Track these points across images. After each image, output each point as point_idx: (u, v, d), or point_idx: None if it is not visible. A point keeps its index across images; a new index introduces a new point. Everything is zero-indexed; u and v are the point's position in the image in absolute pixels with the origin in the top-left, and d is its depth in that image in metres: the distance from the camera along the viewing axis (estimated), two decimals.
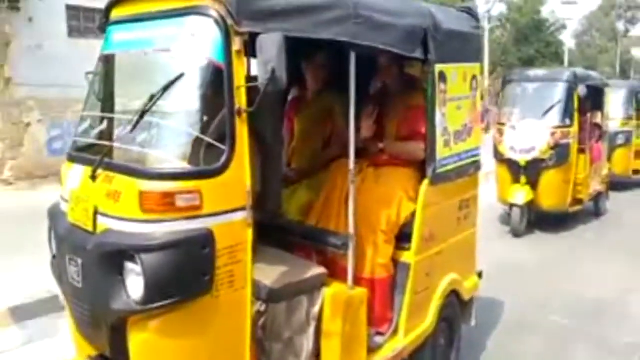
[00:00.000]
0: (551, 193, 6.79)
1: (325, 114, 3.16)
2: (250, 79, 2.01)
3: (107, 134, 2.29)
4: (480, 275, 3.67)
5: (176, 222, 1.90)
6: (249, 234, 2.05)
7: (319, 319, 2.51)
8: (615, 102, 9.30)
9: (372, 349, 2.70)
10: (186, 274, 1.90)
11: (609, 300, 4.69)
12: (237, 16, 1.95)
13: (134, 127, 2.02)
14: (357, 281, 2.67)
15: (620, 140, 9.55)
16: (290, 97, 3.44)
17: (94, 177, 2.06)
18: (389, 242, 2.82)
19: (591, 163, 7.39)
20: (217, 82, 1.98)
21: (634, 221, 7.61)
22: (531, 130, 6.68)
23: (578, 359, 3.76)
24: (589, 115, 7.43)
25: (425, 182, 2.90)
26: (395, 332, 2.84)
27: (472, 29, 3.29)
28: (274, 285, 2.32)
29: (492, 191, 6.98)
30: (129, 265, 1.91)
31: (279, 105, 2.67)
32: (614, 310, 4.52)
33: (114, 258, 1.93)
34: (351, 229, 2.53)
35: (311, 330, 2.49)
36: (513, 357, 3.74)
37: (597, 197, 7.84)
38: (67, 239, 2.16)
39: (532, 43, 26.19)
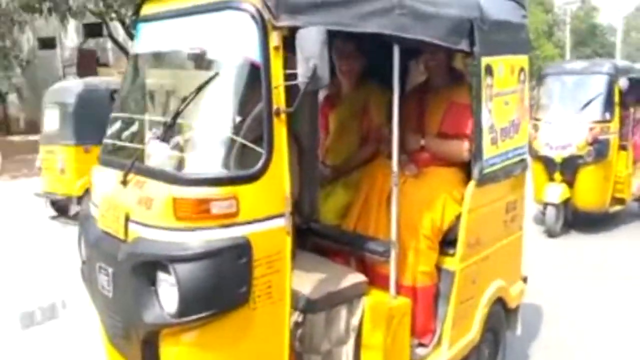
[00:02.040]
0: (589, 191, 6.43)
1: (361, 109, 2.99)
2: (287, 76, 1.85)
3: (139, 137, 2.17)
4: (525, 280, 3.46)
5: (211, 230, 1.77)
6: (288, 242, 1.91)
7: (359, 331, 2.36)
8: None
9: None
10: (222, 285, 1.77)
11: None
12: (275, 10, 1.80)
13: (167, 129, 1.90)
14: (398, 289, 2.51)
15: None
16: (323, 93, 3.30)
17: (124, 182, 1.95)
18: (433, 249, 2.65)
19: (634, 160, 6.99)
20: (254, 81, 1.84)
21: None
22: (568, 126, 6.36)
23: None
24: (631, 109, 7.02)
25: (472, 183, 2.71)
26: (438, 343, 2.67)
27: (521, 18, 3.08)
28: (312, 295, 2.18)
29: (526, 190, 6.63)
30: (162, 275, 1.79)
31: (315, 103, 2.51)
32: None
33: (146, 268, 1.82)
34: (393, 235, 2.37)
35: (351, 342, 2.34)
36: None
37: None
38: (97, 246, 2.06)
39: (589, 45, 30.58)
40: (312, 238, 2.61)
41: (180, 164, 1.88)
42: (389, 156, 2.90)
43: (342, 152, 3.04)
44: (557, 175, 6.37)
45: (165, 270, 1.77)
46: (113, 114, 2.37)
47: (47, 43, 15.82)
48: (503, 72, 2.89)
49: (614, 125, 6.45)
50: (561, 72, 7.07)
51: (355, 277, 2.40)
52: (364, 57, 2.94)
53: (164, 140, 1.88)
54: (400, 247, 2.51)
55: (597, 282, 4.97)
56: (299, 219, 2.35)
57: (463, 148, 2.77)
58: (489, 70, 2.75)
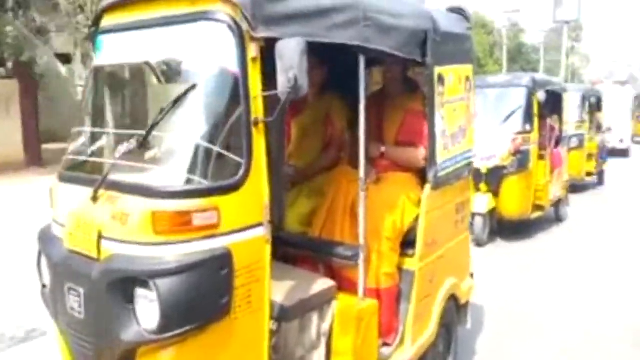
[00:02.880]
0: (513, 200, 6.68)
1: (323, 117, 3.05)
2: (266, 86, 1.87)
3: (106, 151, 2.08)
4: (472, 276, 3.66)
5: (192, 243, 1.75)
6: (267, 250, 1.92)
7: (330, 335, 2.41)
8: (569, 105, 9.29)
9: None
10: (204, 297, 1.75)
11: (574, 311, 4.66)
12: (252, 21, 1.81)
13: (142, 142, 1.84)
14: (363, 292, 2.58)
15: (573, 143, 9.60)
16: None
17: (95, 198, 1.87)
18: (394, 250, 2.75)
19: (552, 169, 7.40)
20: (232, 92, 1.83)
21: (593, 226, 7.71)
22: (492, 137, 6.43)
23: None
24: (548, 120, 7.45)
25: (428, 186, 2.84)
26: (401, 342, 2.78)
27: (466, 30, 3.26)
28: (285, 303, 2.20)
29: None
30: (141, 291, 1.74)
31: (284, 112, 2.53)
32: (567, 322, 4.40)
33: (123, 285, 1.75)
34: (361, 239, 2.44)
35: (322, 346, 2.38)
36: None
37: (558, 203, 7.86)
38: (64, 266, 1.95)
39: (518, 62, 33.98)
40: (279, 247, 2.62)
41: (157, 177, 1.83)
42: (350, 163, 2.99)
43: (305, 156, 3.09)
44: (483, 186, 6.50)
45: (145, 286, 1.72)
46: (75, 129, 2.25)
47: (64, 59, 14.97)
48: (452, 80, 3.05)
49: (534, 135, 6.79)
50: (484, 85, 7.19)
51: (325, 283, 2.44)
52: (325, 67, 3.00)
53: (138, 153, 1.82)
54: (365, 249, 2.58)
55: (526, 281, 5.33)
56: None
57: (419, 155, 2.90)
58: (441, 79, 2.89)
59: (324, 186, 2.87)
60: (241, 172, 1.82)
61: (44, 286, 2.17)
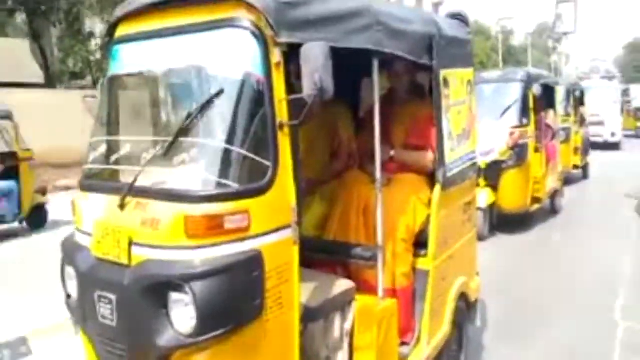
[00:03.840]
0: (512, 194, 6.83)
1: (330, 128, 3.09)
2: (290, 90, 1.91)
3: (128, 159, 2.10)
4: (477, 275, 3.72)
5: (224, 246, 1.78)
6: (295, 251, 1.95)
7: (352, 335, 2.44)
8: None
9: None
10: (237, 299, 1.78)
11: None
12: (275, 27, 1.85)
13: (169, 148, 1.87)
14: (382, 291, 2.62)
15: (561, 136, 9.67)
16: None
17: (122, 206, 1.89)
18: (409, 250, 2.80)
19: (547, 161, 7.61)
20: (257, 97, 1.87)
21: (586, 217, 7.93)
22: (489, 132, 6.50)
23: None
24: (542, 114, 7.66)
25: (437, 187, 2.90)
26: (418, 340, 2.81)
27: (466, 35, 3.35)
28: (310, 304, 2.22)
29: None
30: (175, 295, 1.76)
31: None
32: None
33: (157, 290, 1.77)
34: (380, 240, 2.48)
35: (345, 346, 2.41)
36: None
37: (554, 195, 8.07)
38: (93, 275, 1.96)
39: (508, 62, 33.96)
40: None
41: (187, 182, 1.86)
42: (361, 168, 3.05)
43: (314, 167, 3.12)
44: (482, 181, 6.58)
45: (179, 290, 1.74)
46: (92, 139, 2.26)
47: None
48: (456, 84, 3.14)
49: (531, 129, 6.99)
50: (479, 81, 7.27)
51: (345, 284, 2.47)
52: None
53: (164, 160, 1.85)
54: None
55: (528, 274, 5.43)
56: None
57: (428, 158, 2.97)
58: (446, 82, 2.97)
59: (336, 191, 2.92)
60: (269, 175, 1.86)
61: (68, 296, 2.17)
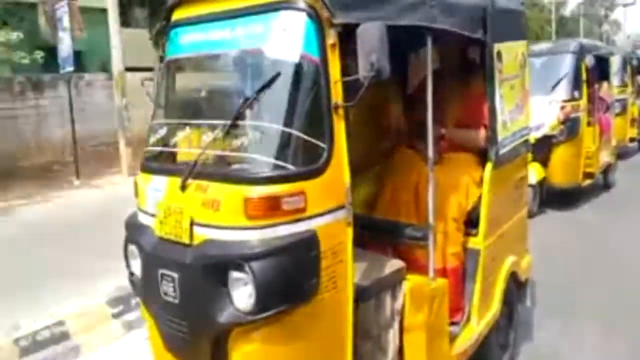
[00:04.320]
0: (563, 169, 6.65)
1: (378, 103, 3.06)
2: (345, 72, 1.90)
3: (187, 142, 2.15)
4: (526, 252, 3.65)
5: (281, 227, 1.81)
6: (349, 232, 1.97)
7: (402, 314, 2.45)
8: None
9: (450, 340, 2.66)
10: (294, 278, 1.82)
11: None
12: (331, 7, 1.84)
13: (228, 131, 1.90)
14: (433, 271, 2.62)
15: (617, 108, 9.25)
16: None
17: (184, 187, 1.94)
18: (460, 230, 2.77)
19: (600, 135, 7.32)
20: (313, 78, 1.88)
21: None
22: (539, 106, 6.35)
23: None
24: (596, 86, 7.34)
25: (489, 165, 2.84)
26: (467, 320, 2.81)
27: (519, 5, 3.22)
28: (362, 283, 2.24)
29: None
30: (235, 274, 1.81)
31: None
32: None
33: (218, 269, 1.83)
34: (431, 219, 2.46)
35: (396, 325, 2.43)
36: (563, 335, 3.75)
37: (607, 169, 7.78)
38: (156, 253, 2.03)
39: (559, 33, 33.97)
40: None
41: (246, 164, 1.89)
42: (410, 146, 3.01)
43: (360, 149, 3.08)
44: (532, 156, 6.29)
45: (239, 269, 1.79)
46: (152, 122, 2.32)
47: None
48: (509, 57, 3.03)
49: (583, 102, 6.70)
50: (529, 54, 7.19)
51: (395, 264, 2.48)
52: None
53: (224, 142, 1.88)
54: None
55: (578, 253, 5.27)
56: None
57: (480, 136, 2.90)
58: (499, 57, 2.87)
59: (386, 169, 2.90)
60: (324, 156, 1.87)
61: (131, 274, 2.26)
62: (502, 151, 2.93)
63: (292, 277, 1.81)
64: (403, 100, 3.16)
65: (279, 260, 1.79)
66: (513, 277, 3.25)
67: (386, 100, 3.03)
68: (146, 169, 2.24)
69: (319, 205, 1.87)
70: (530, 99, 3.40)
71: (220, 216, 1.84)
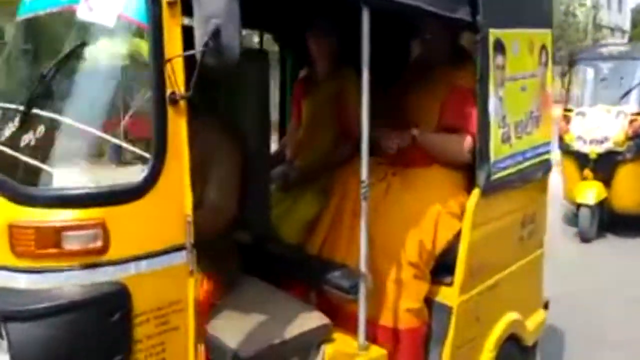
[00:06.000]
0: (629, 191, 5.76)
1: (337, 99, 2.38)
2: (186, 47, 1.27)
3: None
4: (546, 306, 2.82)
5: (67, 273, 1.21)
6: (191, 286, 1.33)
7: None
8: None
9: None
10: (83, 353, 1.21)
11: None
12: None
13: (23, 123, 1.33)
14: (374, 332, 1.94)
15: None
16: (299, 77, 2.72)
17: None
18: (421, 278, 2.04)
19: None
20: (138, 54, 1.26)
21: None
22: (604, 117, 5.71)
23: None
24: None
25: (475, 191, 2.09)
26: None
27: None
28: (242, 350, 1.59)
29: (556, 183, 5.89)
30: None
31: (266, 90, 1.92)
32: None
33: None
34: (362, 266, 1.76)
35: None
36: None
37: None
38: None
39: None
40: (265, 262, 2.04)
41: (24, 173, 1.30)
42: (374, 154, 2.30)
43: (315, 151, 2.45)
44: (590, 173, 5.71)
45: None
46: None
47: None
48: (519, 50, 2.27)
49: None
50: (596, 57, 6.32)
51: (315, 319, 1.80)
52: (335, 35, 2.35)
53: (12, 138, 1.31)
54: (377, 276, 1.93)
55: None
56: (249, 236, 1.96)
57: (464, 145, 2.15)
58: (500, 47, 2.13)
59: (331, 186, 2.22)
60: (146, 171, 1.24)
61: None
62: (499, 175, 2.18)
63: (78, 351, 1.20)
64: (375, 96, 2.44)
65: (57, 325, 1.19)
66: (513, 340, 2.46)
67: (347, 93, 2.33)
68: None
69: (132, 245, 1.25)
70: (552, 106, 2.58)
71: None
